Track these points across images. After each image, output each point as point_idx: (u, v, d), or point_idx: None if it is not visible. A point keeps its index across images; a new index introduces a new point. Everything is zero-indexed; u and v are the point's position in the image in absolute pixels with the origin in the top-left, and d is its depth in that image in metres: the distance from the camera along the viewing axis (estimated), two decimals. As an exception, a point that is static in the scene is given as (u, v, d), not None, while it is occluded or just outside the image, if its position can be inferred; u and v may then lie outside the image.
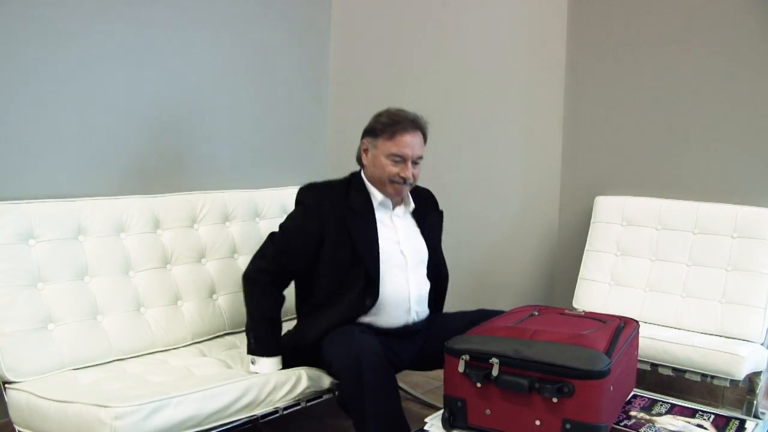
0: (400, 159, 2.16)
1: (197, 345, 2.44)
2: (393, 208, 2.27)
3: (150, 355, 2.31)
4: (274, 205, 2.89)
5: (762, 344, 2.53)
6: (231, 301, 2.60)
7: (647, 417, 1.89)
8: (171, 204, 2.53)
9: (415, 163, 2.20)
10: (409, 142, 2.17)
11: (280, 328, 2.24)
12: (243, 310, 2.56)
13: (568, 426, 1.61)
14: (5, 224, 2.09)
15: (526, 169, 3.28)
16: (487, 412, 1.70)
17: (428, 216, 2.37)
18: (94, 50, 2.45)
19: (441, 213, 2.45)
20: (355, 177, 2.28)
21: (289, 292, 2.30)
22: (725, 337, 2.58)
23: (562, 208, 3.27)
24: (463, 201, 3.23)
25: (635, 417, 1.89)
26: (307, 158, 3.30)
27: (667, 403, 1.95)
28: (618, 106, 3.09)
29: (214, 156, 2.87)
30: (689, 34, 2.89)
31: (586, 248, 3.04)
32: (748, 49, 2.76)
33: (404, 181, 2.18)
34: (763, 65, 2.74)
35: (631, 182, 3.07)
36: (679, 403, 1.99)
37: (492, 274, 3.14)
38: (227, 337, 2.55)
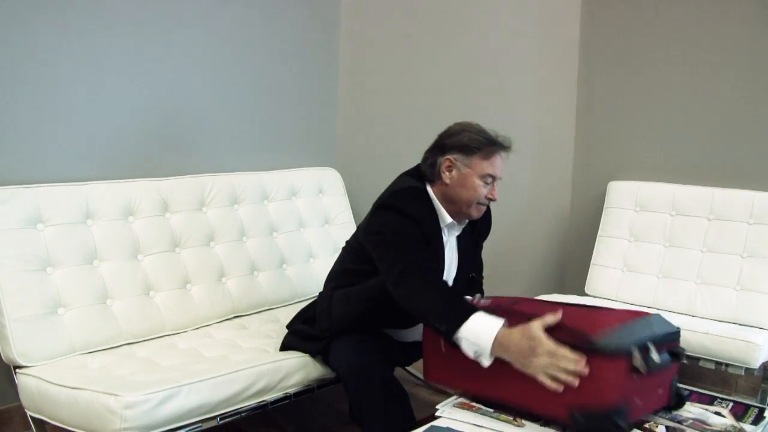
0: (491, 180, 2.02)
1: (206, 328, 2.44)
2: (453, 230, 2.11)
3: (159, 339, 2.30)
4: (283, 187, 2.88)
5: (777, 332, 2.50)
6: (240, 284, 2.60)
7: None
8: (179, 187, 2.52)
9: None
10: (501, 164, 2.03)
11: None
12: (252, 292, 2.63)
13: (674, 382, 1.74)
14: (14, 209, 2.08)
15: (539, 154, 3.24)
16: (639, 402, 1.63)
17: (475, 230, 2.23)
18: (102, 36, 2.43)
19: (490, 224, 2.32)
20: (421, 192, 2.05)
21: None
22: (740, 324, 2.56)
23: (574, 194, 3.24)
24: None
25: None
26: (316, 140, 3.28)
27: (686, 389, 1.91)
28: (632, 90, 3.05)
29: (222, 138, 2.85)
30: (707, 15, 2.84)
31: (598, 234, 3.01)
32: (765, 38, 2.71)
33: (489, 201, 2.07)
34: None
35: (645, 167, 3.03)
36: (698, 390, 1.97)
37: (503, 261, 3.12)
38: (236, 320, 2.55)
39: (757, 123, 2.77)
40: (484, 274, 2.43)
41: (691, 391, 1.94)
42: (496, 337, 1.64)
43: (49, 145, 2.33)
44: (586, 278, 2.98)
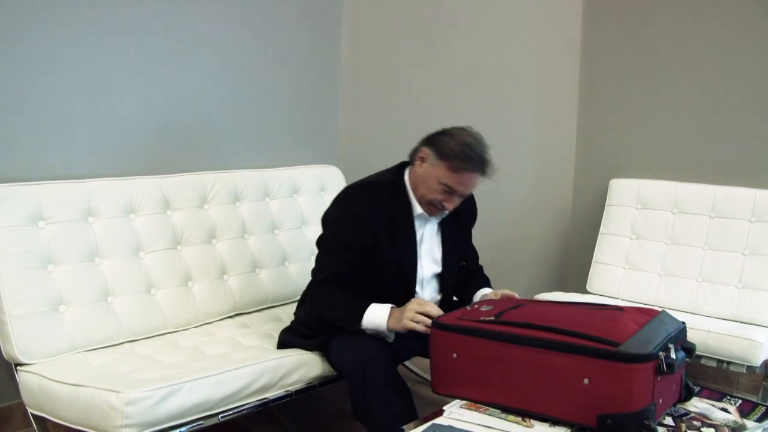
0: (450, 191, 2.03)
1: (207, 326, 2.43)
2: (428, 219, 2.16)
3: (160, 336, 2.29)
4: (285, 184, 2.87)
5: (779, 330, 2.50)
6: (241, 281, 2.59)
7: None
8: (181, 184, 2.50)
9: (460, 197, 2.07)
10: (467, 183, 2.03)
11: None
12: (254, 290, 2.61)
13: (684, 376, 1.78)
14: (15, 206, 2.07)
15: (540, 151, 3.23)
16: (660, 402, 1.65)
17: (459, 219, 2.25)
18: (104, 32, 2.42)
19: (475, 216, 2.35)
20: (399, 177, 2.13)
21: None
22: (742, 322, 2.55)
23: (576, 191, 3.23)
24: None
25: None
26: (319, 138, 3.26)
27: (698, 386, 1.93)
28: (634, 88, 3.04)
29: (224, 136, 2.83)
30: (710, 12, 2.83)
31: (600, 231, 3.01)
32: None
33: (443, 208, 2.08)
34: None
35: (646, 165, 3.02)
36: (709, 387, 1.99)
37: (504, 258, 3.11)
38: (238, 318, 2.53)
39: (760, 121, 2.76)
40: (483, 264, 2.42)
41: (702, 387, 1.94)
42: (389, 315, 1.98)
43: (51, 143, 2.32)
44: (587, 276, 2.97)
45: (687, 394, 1.80)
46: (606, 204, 3.03)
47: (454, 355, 1.79)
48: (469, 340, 1.77)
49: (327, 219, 2.14)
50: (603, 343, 1.60)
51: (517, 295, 2.14)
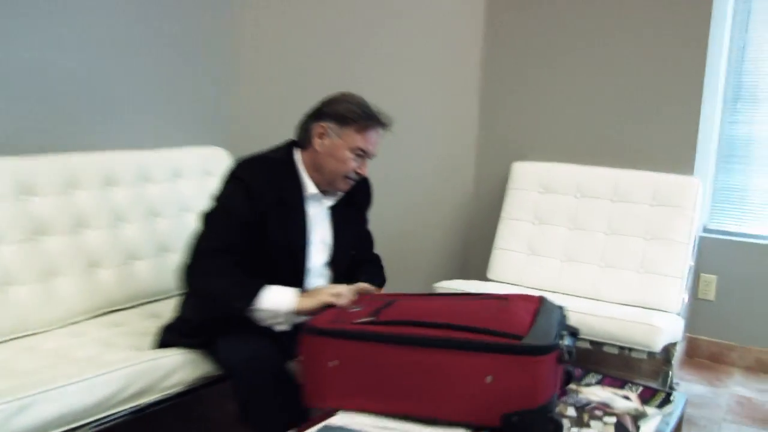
0: (363, 155, 2.04)
1: (75, 325, 2.27)
2: (321, 201, 2.11)
3: (20, 339, 2.11)
4: (166, 167, 2.73)
5: (678, 314, 2.58)
6: (115, 275, 2.44)
7: (574, 387, 1.92)
8: (44, 167, 2.31)
9: (369, 160, 2.08)
10: (376, 140, 2.06)
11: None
12: (130, 284, 2.50)
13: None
14: None
15: (440, 134, 3.21)
16: (556, 390, 1.64)
17: (353, 203, 2.20)
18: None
19: (370, 201, 2.30)
20: (291, 157, 2.08)
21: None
22: (643, 307, 2.62)
23: (478, 175, 3.24)
24: (370, 166, 3.12)
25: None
26: (204, 117, 3.12)
27: (600, 374, 1.99)
28: (537, 71, 3.06)
29: (95, 112, 2.65)
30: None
31: (501, 216, 3.02)
32: (671, 15, 2.76)
33: (357, 177, 2.07)
34: (685, 30, 2.74)
35: (549, 148, 3.05)
36: (611, 375, 2.02)
37: (402, 246, 3.07)
38: (111, 315, 2.39)
39: (661, 105, 2.82)
40: (381, 254, 2.35)
41: (604, 375, 1.99)
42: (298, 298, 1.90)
43: None
44: (488, 263, 2.96)
45: (568, 379, 1.82)
46: (508, 188, 3.04)
47: (334, 363, 1.67)
48: (352, 345, 1.65)
49: (217, 193, 2.04)
50: (506, 337, 1.56)
51: (369, 286, 2.04)
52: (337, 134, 2.01)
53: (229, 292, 1.92)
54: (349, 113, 2.01)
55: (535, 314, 1.71)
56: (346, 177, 2.05)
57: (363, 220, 2.31)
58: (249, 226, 1.96)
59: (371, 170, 2.96)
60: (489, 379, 1.55)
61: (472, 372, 1.56)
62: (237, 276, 1.94)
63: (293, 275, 2.05)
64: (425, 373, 1.60)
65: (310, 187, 2.06)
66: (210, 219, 2.01)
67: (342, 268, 2.20)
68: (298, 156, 2.08)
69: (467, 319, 1.63)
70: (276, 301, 1.89)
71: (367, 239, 2.35)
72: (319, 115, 2.04)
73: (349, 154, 2.02)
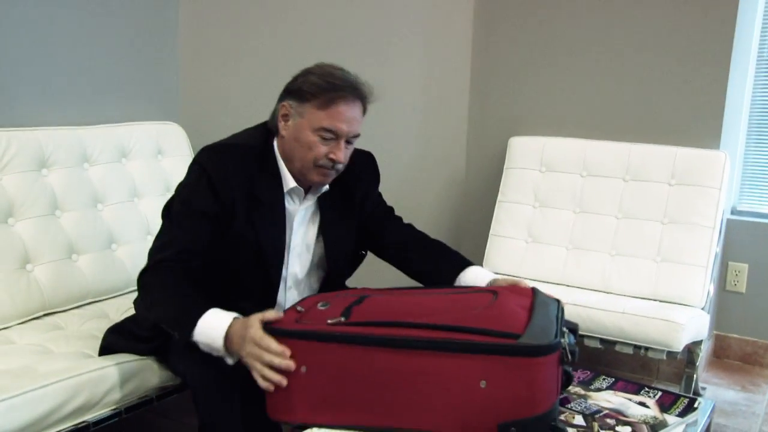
0: (333, 136, 1.90)
1: (5, 331, 2.25)
2: (304, 197, 2.04)
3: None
4: (109, 146, 2.73)
5: (703, 309, 2.58)
6: (52, 271, 2.43)
7: (582, 392, 1.90)
8: (-40, 146, 2.31)
9: (348, 142, 1.95)
10: (347, 115, 1.91)
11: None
12: (69, 282, 2.49)
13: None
14: None
15: (428, 107, 3.20)
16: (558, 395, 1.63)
17: (352, 196, 2.12)
18: None
19: (377, 182, 2.23)
20: (269, 146, 2.00)
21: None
22: (661, 301, 2.62)
23: (470, 152, 3.24)
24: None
25: (567, 391, 1.89)
26: (154, 88, 3.11)
27: (611, 377, 1.98)
28: (536, 32, 3.05)
29: (23, 83, 2.62)
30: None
31: (498, 199, 3.02)
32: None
33: (333, 164, 1.93)
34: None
35: (551, 120, 3.05)
36: (625, 378, 2.01)
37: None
38: (47, 318, 2.38)
39: (682, 68, 2.81)
40: None
41: (617, 378, 1.98)
42: (227, 333, 1.71)
43: None
44: (484, 252, 2.96)
45: (566, 380, 1.74)
46: (504, 167, 3.03)
47: (303, 368, 1.63)
48: (323, 348, 1.62)
49: (180, 185, 2.00)
50: (501, 336, 1.54)
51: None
52: (299, 113, 1.92)
53: (170, 321, 1.83)
54: (307, 86, 1.90)
55: (531, 309, 1.69)
56: (318, 166, 1.93)
57: (368, 205, 2.20)
58: (213, 221, 1.91)
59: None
60: (483, 384, 1.52)
61: (463, 377, 1.53)
62: (181, 297, 1.84)
63: (264, 286, 2.00)
64: (408, 379, 1.57)
65: (289, 181, 1.98)
66: (168, 219, 1.98)
67: (340, 271, 2.15)
68: (276, 145, 2.01)
69: (454, 317, 1.61)
70: (209, 333, 1.74)
71: (390, 215, 2.26)
72: (283, 93, 1.97)
73: (313, 137, 1.90)
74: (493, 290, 1.83)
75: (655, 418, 1.76)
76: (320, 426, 1.63)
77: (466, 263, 2.11)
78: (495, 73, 3.15)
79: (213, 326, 1.73)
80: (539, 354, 1.51)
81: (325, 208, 2.08)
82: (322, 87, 1.88)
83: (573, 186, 2.89)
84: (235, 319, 1.73)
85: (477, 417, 1.54)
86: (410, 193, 3.22)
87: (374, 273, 2.30)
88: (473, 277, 2.06)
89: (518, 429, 1.52)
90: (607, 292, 2.70)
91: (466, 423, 1.56)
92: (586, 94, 2.98)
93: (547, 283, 2.79)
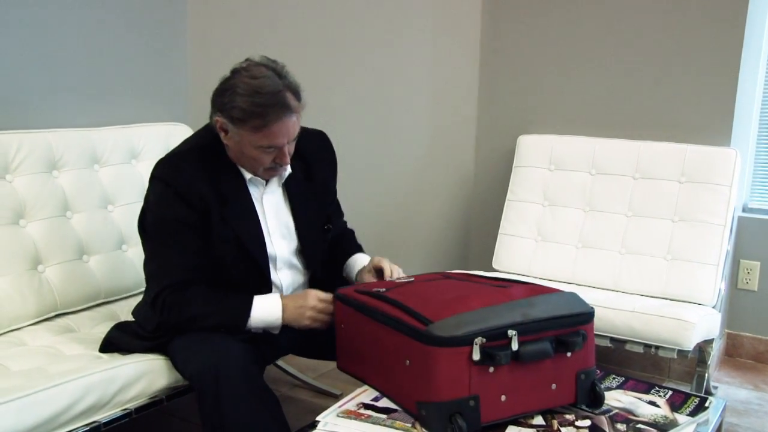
0: (274, 149, 1.94)
1: (16, 332, 2.26)
2: (266, 184, 2.08)
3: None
4: (120, 147, 2.74)
5: (714, 307, 2.57)
6: (63, 272, 2.43)
7: None
8: (-30, 148, 2.32)
9: (290, 142, 1.97)
10: (284, 130, 1.91)
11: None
12: (80, 282, 2.50)
13: (582, 377, 1.74)
14: None
15: (436, 106, 3.20)
16: (503, 398, 1.66)
17: (311, 176, 2.17)
18: None
19: (334, 163, 2.26)
20: (217, 141, 2.00)
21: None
22: (671, 299, 2.61)
23: (478, 150, 3.23)
24: (360, 144, 3.12)
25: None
26: (164, 89, 3.12)
27: (622, 377, 1.97)
28: (545, 29, 3.04)
29: (33, 85, 2.63)
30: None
31: (507, 198, 3.02)
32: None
33: (281, 165, 1.99)
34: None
35: (560, 118, 3.04)
36: (635, 378, 2.00)
37: (395, 233, 3.07)
38: (59, 319, 2.39)
39: (691, 64, 2.79)
40: (372, 249, 2.39)
41: (627, 378, 1.97)
42: (283, 308, 1.97)
43: None
44: (493, 251, 2.96)
45: (592, 400, 1.77)
46: (513, 165, 3.03)
47: (342, 325, 1.95)
48: (348, 311, 1.91)
49: (147, 206, 2.04)
50: (417, 320, 1.65)
51: (387, 265, 2.14)
52: (236, 132, 1.92)
53: (223, 324, 1.97)
54: (238, 113, 1.88)
55: (495, 303, 1.70)
56: (269, 170, 2.00)
57: (331, 192, 2.28)
58: (193, 229, 1.96)
59: (358, 138, 2.95)
60: (407, 362, 1.67)
61: (397, 352, 1.71)
62: (219, 301, 1.99)
63: (257, 274, 2.04)
64: (375, 345, 1.80)
65: (246, 173, 2.03)
66: (151, 243, 2.03)
67: (318, 253, 2.20)
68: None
69: (421, 301, 1.73)
70: (265, 316, 1.98)
71: (337, 211, 2.34)
72: (213, 103, 1.96)
73: (255, 152, 1.93)
74: (513, 282, 1.90)
75: (666, 417, 1.75)
76: (354, 375, 1.92)
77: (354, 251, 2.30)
78: (504, 71, 3.14)
79: (267, 310, 1.98)
80: (436, 344, 1.59)
81: (291, 189, 2.12)
82: (251, 113, 1.87)
83: (582, 184, 2.88)
84: (280, 296, 2.01)
85: (406, 391, 1.68)
86: (419, 192, 3.22)
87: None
88: (353, 262, 2.27)
89: (425, 411, 1.62)
90: (617, 291, 2.70)
91: (403, 394, 1.71)
92: (595, 92, 2.97)
93: (557, 281, 2.79)
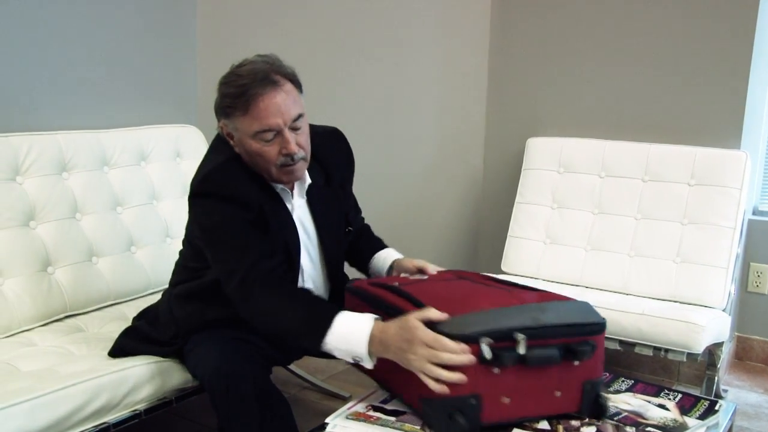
0: (273, 134, 1.84)
1: (26, 333, 2.28)
2: (292, 196, 2.02)
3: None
4: (128, 149, 2.74)
5: (724, 310, 2.56)
6: (73, 274, 2.44)
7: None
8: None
9: (294, 128, 1.87)
10: (273, 107, 1.82)
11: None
12: (90, 284, 2.51)
13: (588, 387, 1.71)
14: None
15: (445, 108, 3.20)
16: (506, 401, 1.65)
17: (330, 182, 2.12)
18: None
19: (351, 161, 2.22)
20: (236, 162, 1.94)
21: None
22: (681, 302, 2.60)
23: (487, 153, 3.23)
24: (369, 146, 3.12)
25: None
26: (172, 92, 3.13)
27: (631, 380, 1.96)
28: (555, 31, 3.04)
29: (42, 87, 2.65)
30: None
31: (516, 200, 3.01)
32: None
33: (292, 157, 1.87)
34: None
35: (569, 121, 3.04)
36: (644, 381, 1.99)
37: (404, 234, 3.06)
38: (68, 320, 2.40)
39: (701, 66, 2.79)
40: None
41: (636, 381, 1.96)
42: (372, 336, 1.67)
43: None
44: (502, 254, 2.96)
45: (595, 410, 1.73)
46: (522, 168, 3.03)
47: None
48: (357, 303, 1.90)
49: (196, 224, 1.95)
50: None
51: (429, 267, 2.10)
52: (235, 129, 1.88)
53: (295, 328, 1.80)
54: (225, 101, 1.85)
55: (504, 306, 1.70)
56: (279, 167, 1.89)
57: (348, 194, 2.23)
58: (256, 227, 1.88)
59: (367, 141, 2.94)
60: None
61: None
62: (305, 303, 1.83)
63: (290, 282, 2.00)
64: None
65: (276, 185, 1.97)
66: (214, 252, 1.90)
67: (340, 262, 2.18)
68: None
69: (431, 297, 1.73)
70: (349, 338, 1.70)
71: (355, 207, 2.31)
72: (215, 113, 1.93)
73: (256, 144, 1.85)
74: (526, 287, 1.90)
75: (675, 420, 1.74)
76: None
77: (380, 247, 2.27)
78: (513, 73, 3.14)
79: (351, 331, 1.70)
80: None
81: (314, 198, 2.06)
82: (234, 95, 1.83)
83: (591, 187, 2.88)
84: (376, 320, 1.69)
85: (411, 387, 1.66)
86: (428, 195, 3.22)
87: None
88: (383, 257, 2.22)
89: (427, 406, 1.64)
90: (626, 294, 2.69)
91: (409, 390, 1.70)
92: (603, 94, 2.96)
93: (566, 284, 2.78)
